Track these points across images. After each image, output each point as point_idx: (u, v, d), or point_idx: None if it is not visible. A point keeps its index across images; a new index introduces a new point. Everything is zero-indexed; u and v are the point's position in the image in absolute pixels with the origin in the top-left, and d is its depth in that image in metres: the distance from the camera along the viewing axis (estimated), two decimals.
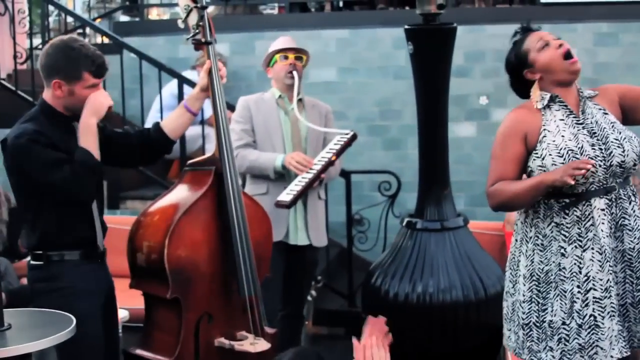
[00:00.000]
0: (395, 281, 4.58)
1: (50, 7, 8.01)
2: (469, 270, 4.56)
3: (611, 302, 3.40)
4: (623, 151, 3.41)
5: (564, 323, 3.44)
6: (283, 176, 4.66)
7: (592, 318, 3.40)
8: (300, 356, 2.87)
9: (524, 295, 3.55)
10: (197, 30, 3.90)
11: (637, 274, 3.42)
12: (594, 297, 3.40)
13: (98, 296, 3.70)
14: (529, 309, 3.54)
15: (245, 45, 7.78)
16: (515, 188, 3.52)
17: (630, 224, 3.43)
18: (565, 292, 3.44)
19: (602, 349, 3.39)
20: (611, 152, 3.41)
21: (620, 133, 3.45)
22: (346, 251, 6.69)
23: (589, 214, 3.42)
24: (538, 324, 3.51)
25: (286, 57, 4.80)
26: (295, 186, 4.50)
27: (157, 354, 3.72)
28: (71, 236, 3.61)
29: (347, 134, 4.70)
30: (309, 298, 5.93)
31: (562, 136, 3.46)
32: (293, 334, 4.97)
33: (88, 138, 3.58)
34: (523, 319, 3.55)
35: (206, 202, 3.79)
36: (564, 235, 3.45)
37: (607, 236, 3.41)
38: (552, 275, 3.47)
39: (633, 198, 3.47)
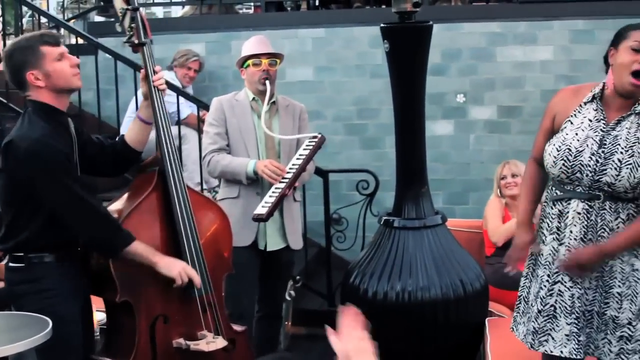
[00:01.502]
0: (373, 280, 4.56)
1: (24, 8, 7.95)
2: (447, 268, 4.55)
3: (565, 301, 3.47)
4: (617, 175, 3.37)
5: (531, 305, 3.60)
6: (256, 181, 4.64)
7: (552, 308, 3.52)
8: None
9: (524, 270, 3.72)
10: (131, 33, 3.91)
11: (606, 288, 3.45)
12: (559, 290, 3.51)
13: (78, 298, 3.67)
14: (523, 283, 3.72)
15: (221, 45, 7.75)
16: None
17: (609, 237, 3.43)
18: (538, 277, 3.58)
19: (553, 338, 3.50)
20: (605, 170, 3.40)
21: (631, 157, 3.38)
22: (325, 251, 6.68)
23: (567, 212, 3.45)
24: (526, 299, 3.68)
25: (259, 63, 4.74)
26: (269, 197, 4.45)
27: (114, 358, 3.70)
28: (54, 239, 3.57)
29: (315, 137, 4.65)
30: (288, 298, 5.90)
31: (576, 134, 3.48)
32: (272, 334, 4.94)
33: (147, 252, 3.61)
34: (519, 292, 3.73)
35: (151, 203, 3.76)
36: (548, 224, 3.56)
37: (576, 239, 3.46)
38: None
39: (624, 216, 3.43)
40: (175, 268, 3.65)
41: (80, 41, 7.26)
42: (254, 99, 4.80)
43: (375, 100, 7.45)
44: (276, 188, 4.48)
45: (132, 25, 3.90)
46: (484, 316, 4.74)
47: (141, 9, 4.01)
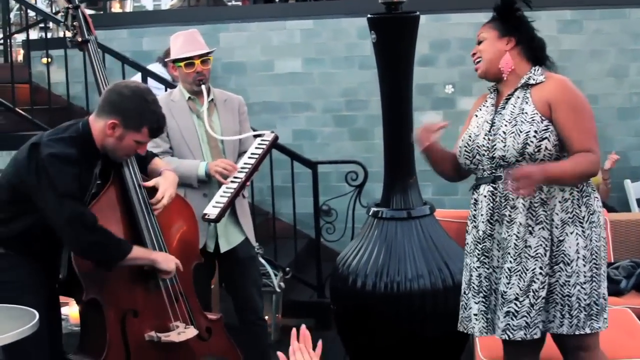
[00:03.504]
0: (362, 271, 4.58)
1: (12, 2, 7.92)
2: (436, 259, 4.57)
3: (473, 281, 3.62)
4: (504, 146, 3.47)
5: (464, 292, 3.70)
6: (204, 182, 4.48)
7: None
8: None
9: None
10: (75, 31, 3.92)
11: (502, 264, 3.52)
12: (470, 270, 3.67)
13: (41, 292, 3.62)
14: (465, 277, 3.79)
15: (209, 37, 7.69)
16: None
17: (510, 215, 3.49)
18: (467, 265, 3.70)
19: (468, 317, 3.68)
20: (495, 145, 3.52)
21: (514, 126, 3.47)
22: (314, 242, 6.69)
23: (478, 198, 3.62)
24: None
25: (192, 64, 4.49)
26: (221, 198, 4.33)
27: (88, 357, 3.69)
28: (31, 247, 3.55)
29: (263, 134, 4.53)
30: (278, 290, 5.92)
31: (476, 121, 3.68)
32: (260, 340, 4.79)
33: (144, 254, 3.62)
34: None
35: (110, 198, 3.72)
36: (469, 215, 3.71)
37: (483, 222, 3.58)
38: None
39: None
40: (172, 262, 3.68)
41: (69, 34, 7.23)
42: (190, 98, 4.58)
43: (364, 92, 7.46)
44: (228, 188, 4.36)
45: (74, 23, 3.92)
46: None
47: (82, 6, 4.01)
